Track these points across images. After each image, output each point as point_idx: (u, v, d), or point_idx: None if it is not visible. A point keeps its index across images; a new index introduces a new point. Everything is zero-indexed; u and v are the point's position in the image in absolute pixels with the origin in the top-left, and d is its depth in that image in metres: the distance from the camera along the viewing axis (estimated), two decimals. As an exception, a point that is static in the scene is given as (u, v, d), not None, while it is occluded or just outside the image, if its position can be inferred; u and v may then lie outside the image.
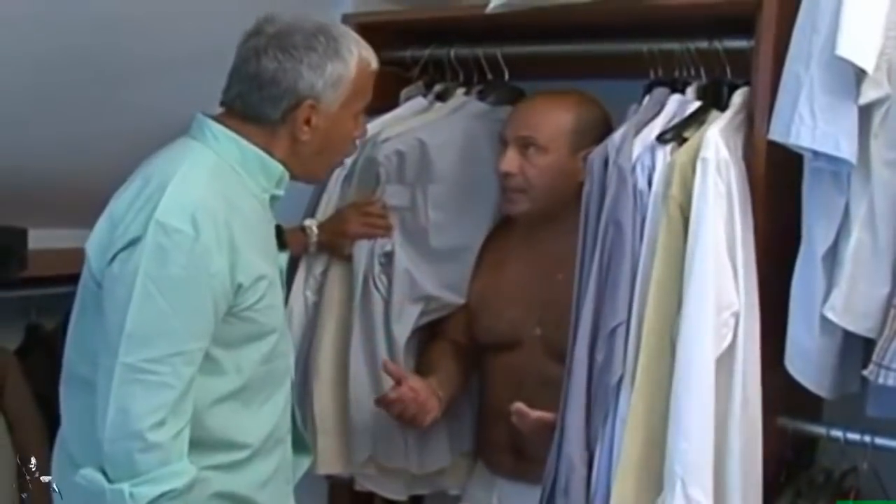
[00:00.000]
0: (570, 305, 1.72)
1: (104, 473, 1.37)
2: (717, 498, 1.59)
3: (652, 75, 1.87)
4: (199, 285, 1.39)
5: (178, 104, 1.62)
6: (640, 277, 1.65)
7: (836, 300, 1.57)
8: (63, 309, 1.74)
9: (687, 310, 1.57)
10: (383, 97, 1.83)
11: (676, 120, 1.76)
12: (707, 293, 1.57)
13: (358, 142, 1.70)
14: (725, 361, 1.59)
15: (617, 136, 1.73)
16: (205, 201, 1.42)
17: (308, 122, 1.52)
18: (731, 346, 1.60)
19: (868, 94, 1.49)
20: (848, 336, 1.61)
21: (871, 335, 1.57)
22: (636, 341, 1.64)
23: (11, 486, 2.06)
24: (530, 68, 2.08)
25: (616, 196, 1.67)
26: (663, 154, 1.69)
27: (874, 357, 1.54)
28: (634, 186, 1.67)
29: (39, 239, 2.12)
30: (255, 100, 1.51)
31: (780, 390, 1.69)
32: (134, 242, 1.39)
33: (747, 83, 1.76)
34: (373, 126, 1.92)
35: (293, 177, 1.59)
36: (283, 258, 1.67)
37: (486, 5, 1.89)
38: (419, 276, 1.96)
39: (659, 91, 1.83)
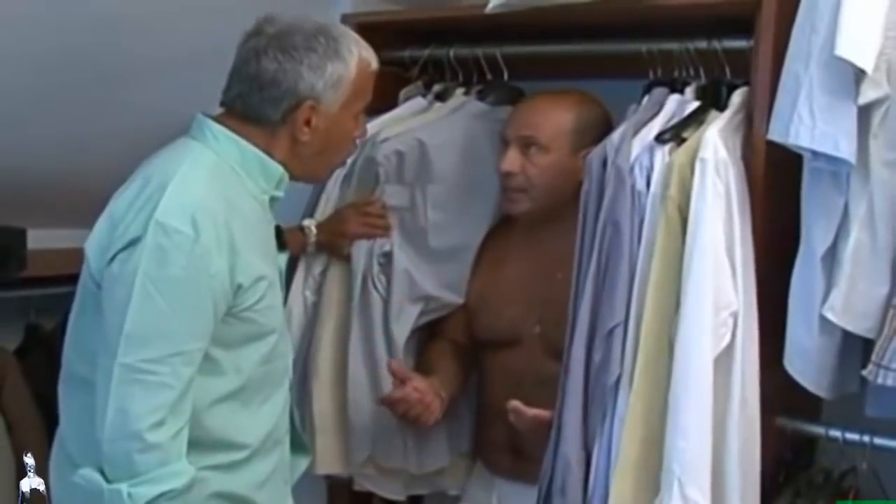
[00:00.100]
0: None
1: (102, 473, 1.37)
2: (716, 498, 1.59)
3: (651, 75, 1.87)
4: (198, 286, 1.39)
5: (178, 104, 1.61)
6: (639, 278, 1.65)
7: (835, 300, 1.57)
8: (62, 309, 1.74)
9: (685, 310, 1.57)
10: (382, 97, 1.83)
11: (675, 120, 1.76)
12: (705, 293, 1.57)
13: (358, 142, 1.70)
14: (724, 361, 1.59)
15: (615, 136, 1.73)
16: (205, 202, 1.42)
17: (308, 122, 1.52)
18: (730, 346, 1.60)
19: (867, 95, 1.49)
20: (847, 336, 1.61)
21: (870, 335, 1.57)
22: (634, 341, 1.64)
23: (11, 486, 2.06)
24: (530, 68, 2.08)
25: (614, 196, 1.67)
26: (662, 154, 1.69)
27: (873, 357, 1.54)
28: (633, 187, 1.67)
29: (39, 239, 2.12)
30: (256, 101, 1.51)
31: (779, 390, 1.69)
32: (134, 243, 1.39)
33: (746, 83, 1.76)
34: (372, 126, 1.92)
35: (293, 177, 1.59)
36: (283, 259, 1.67)
37: (485, 5, 1.89)
38: (418, 276, 1.96)
39: (658, 91, 1.83)
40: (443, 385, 1.91)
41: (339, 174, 2.01)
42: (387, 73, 1.78)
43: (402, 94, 2.18)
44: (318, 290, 2.02)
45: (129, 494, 1.34)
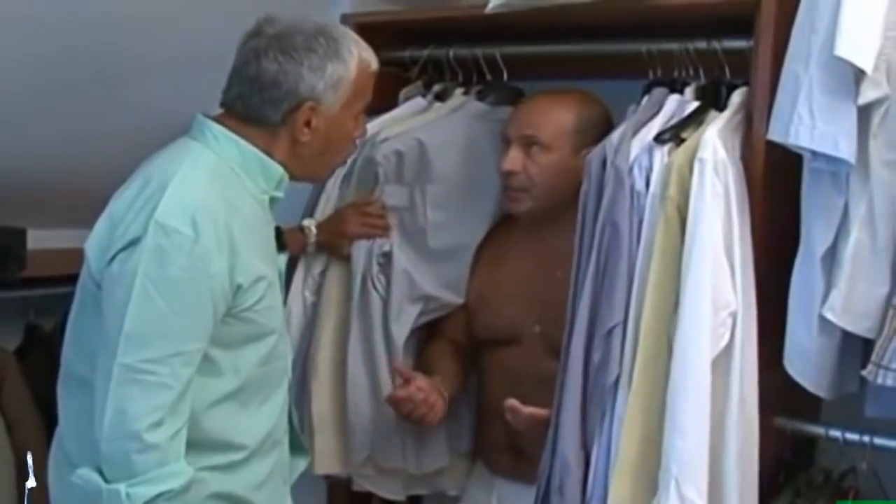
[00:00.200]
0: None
1: (101, 473, 1.37)
2: (714, 497, 1.59)
3: (651, 75, 1.87)
4: (198, 286, 1.39)
5: (178, 104, 1.62)
6: (638, 278, 1.65)
7: (835, 300, 1.57)
8: (62, 309, 1.74)
9: (684, 309, 1.57)
10: (382, 97, 1.82)
11: (675, 120, 1.76)
12: (704, 293, 1.57)
13: (357, 142, 1.70)
14: (723, 361, 1.59)
15: (615, 136, 1.73)
16: (205, 202, 1.42)
17: (308, 123, 1.52)
18: (729, 346, 1.60)
19: (867, 95, 1.49)
20: (847, 336, 1.61)
21: (869, 335, 1.57)
22: (633, 341, 1.64)
23: (11, 486, 2.06)
24: (529, 68, 2.08)
25: (613, 197, 1.67)
26: (661, 155, 1.69)
27: (873, 357, 1.54)
28: (632, 187, 1.67)
29: (39, 239, 2.12)
30: (256, 102, 1.51)
31: (778, 390, 1.69)
32: (133, 243, 1.39)
33: (746, 83, 1.75)
34: (371, 126, 1.92)
35: (294, 178, 1.59)
36: (283, 259, 1.67)
37: (485, 5, 1.90)
38: (418, 276, 1.96)
39: (658, 91, 1.83)
40: (444, 384, 1.91)
41: (338, 174, 2.01)
42: (386, 74, 1.78)
43: (402, 94, 2.18)
44: (318, 291, 2.02)
45: (128, 494, 1.34)
